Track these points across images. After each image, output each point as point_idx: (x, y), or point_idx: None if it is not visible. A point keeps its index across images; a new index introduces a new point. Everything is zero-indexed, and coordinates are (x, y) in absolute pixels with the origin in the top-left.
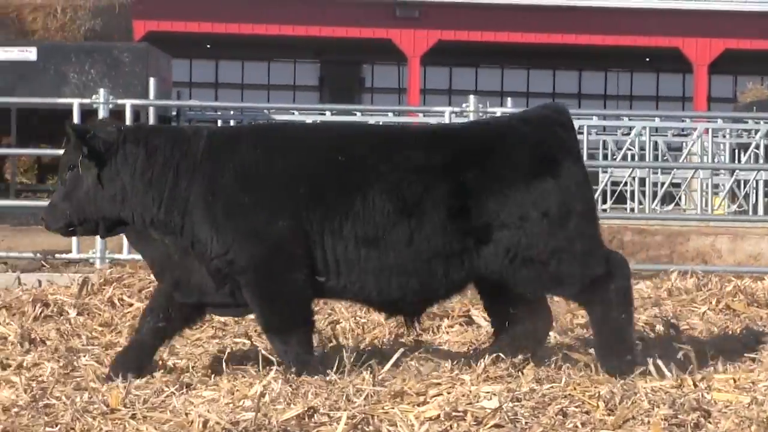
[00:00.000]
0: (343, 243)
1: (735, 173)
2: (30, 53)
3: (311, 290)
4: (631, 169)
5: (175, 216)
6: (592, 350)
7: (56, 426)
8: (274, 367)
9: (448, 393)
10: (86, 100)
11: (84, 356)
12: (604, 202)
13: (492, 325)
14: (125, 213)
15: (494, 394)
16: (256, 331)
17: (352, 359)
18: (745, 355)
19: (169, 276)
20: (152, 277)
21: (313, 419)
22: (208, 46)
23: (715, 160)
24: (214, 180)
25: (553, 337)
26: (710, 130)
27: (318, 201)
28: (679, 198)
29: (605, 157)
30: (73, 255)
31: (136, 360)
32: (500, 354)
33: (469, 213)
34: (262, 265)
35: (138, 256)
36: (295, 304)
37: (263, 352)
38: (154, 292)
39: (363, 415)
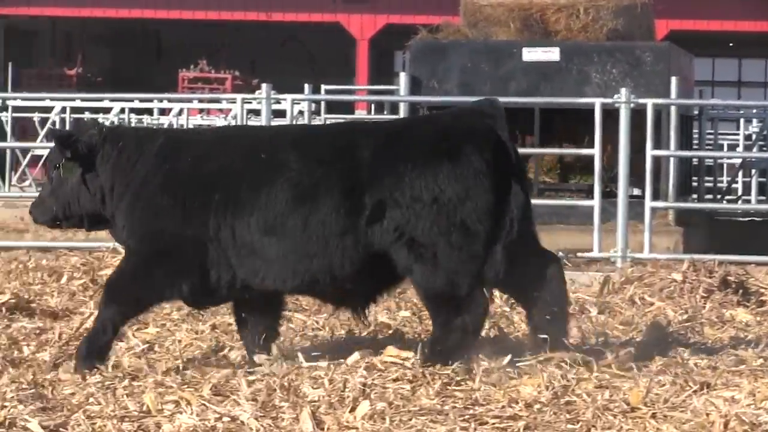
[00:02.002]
0: (251, 236)
1: None
2: (553, 54)
3: (169, 299)
4: None
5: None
6: None
7: (577, 423)
8: None
9: None
10: (608, 100)
11: (604, 354)
12: None
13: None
14: (106, 210)
15: None
16: None
17: None
18: None
19: None
20: (673, 276)
21: None
22: (731, 44)
23: None
24: (144, 178)
25: None
26: None
27: (227, 202)
28: None
29: None
30: (595, 254)
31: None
32: None
33: (364, 191)
34: (144, 261)
35: (659, 255)
36: (141, 303)
37: None
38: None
39: None
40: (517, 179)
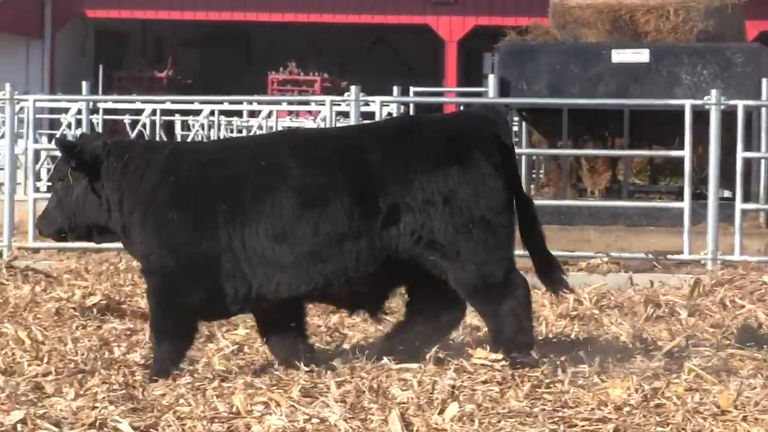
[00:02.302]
0: (262, 245)
1: None
2: (643, 55)
3: (201, 311)
4: None
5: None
6: None
7: (667, 426)
8: None
9: None
10: (698, 102)
11: (693, 357)
12: None
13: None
14: (112, 222)
15: None
16: None
17: None
18: None
19: None
20: (764, 278)
21: None
22: None
23: None
24: (153, 192)
25: None
26: None
27: (237, 212)
28: None
29: None
30: (685, 256)
31: None
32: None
33: (376, 196)
34: (167, 276)
35: (750, 257)
36: (182, 318)
37: None
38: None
39: None
40: (520, 182)
